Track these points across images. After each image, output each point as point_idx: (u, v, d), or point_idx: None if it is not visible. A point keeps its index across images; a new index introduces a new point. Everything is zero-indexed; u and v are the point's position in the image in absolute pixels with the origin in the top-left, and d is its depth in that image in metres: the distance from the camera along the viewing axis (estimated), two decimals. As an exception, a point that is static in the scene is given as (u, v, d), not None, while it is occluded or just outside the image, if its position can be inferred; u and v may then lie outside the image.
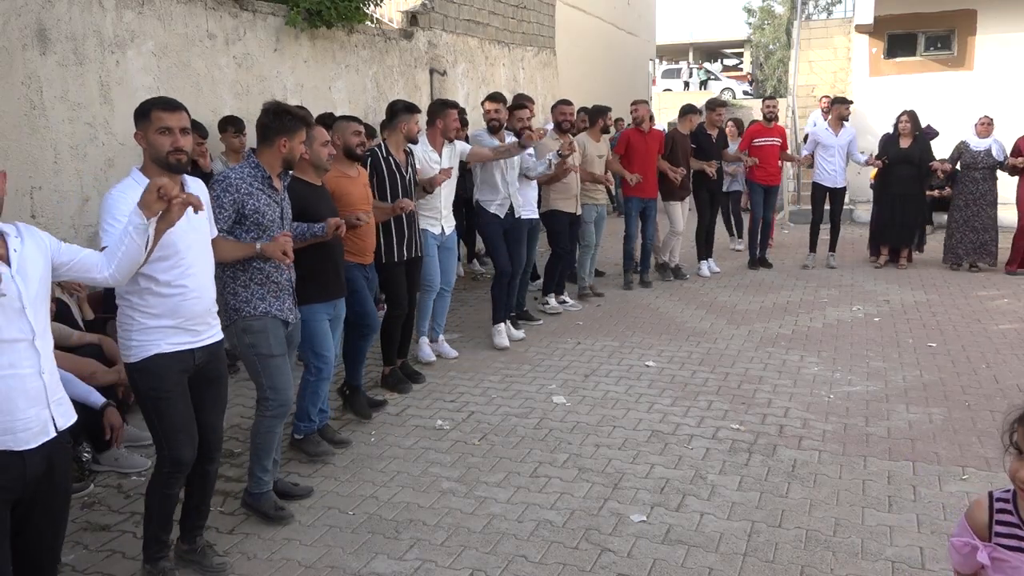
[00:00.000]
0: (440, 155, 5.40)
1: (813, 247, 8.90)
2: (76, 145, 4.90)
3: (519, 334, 6.25)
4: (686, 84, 33.48)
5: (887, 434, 4.33)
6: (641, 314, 7.00)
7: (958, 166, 8.47)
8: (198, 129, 5.33)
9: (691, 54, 41.97)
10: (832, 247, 8.87)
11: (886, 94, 12.53)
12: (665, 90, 30.31)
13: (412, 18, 8.85)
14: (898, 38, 13.03)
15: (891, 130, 8.67)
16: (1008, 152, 8.21)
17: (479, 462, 4.07)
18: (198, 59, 5.80)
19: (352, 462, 4.10)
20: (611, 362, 5.66)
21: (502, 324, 6.06)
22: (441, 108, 5.39)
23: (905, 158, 8.35)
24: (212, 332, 2.98)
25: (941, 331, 6.28)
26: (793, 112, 13.92)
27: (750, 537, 3.30)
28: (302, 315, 3.69)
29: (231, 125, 5.63)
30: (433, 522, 3.47)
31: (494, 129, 6.03)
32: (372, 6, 7.54)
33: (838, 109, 8.64)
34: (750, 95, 31.07)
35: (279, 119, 3.35)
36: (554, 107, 6.80)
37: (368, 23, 7.82)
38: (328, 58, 7.23)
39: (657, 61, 27.06)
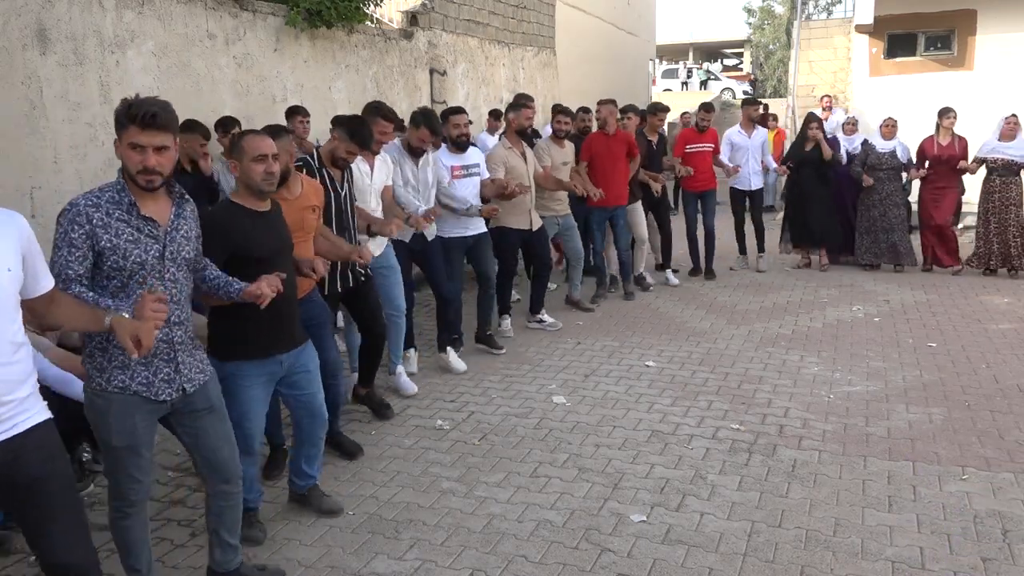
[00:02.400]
0: (372, 168, 4.64)
1: (742, 250, 8.74)
2: (76, 145, 4.90)
3: (460, 365, 5.46)
4: (684, 84, 33.52)
5: (887, 434, 4.33)
6: (641, 314, 7.00)
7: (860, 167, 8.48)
8: (199, 130, 5.32)
9: (691, 54, 42.00)
10: (760, 248, 8.72)
11: (886, 94, 12.54)
12: (665, 90, 30.35)
13: (412, 18, 8.85)
14: (898, 38, 13.04)
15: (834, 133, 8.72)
16: (912, 154, 8.31)
17: (479, 462, 4.07)
18: (198, 59, 5.79)
19: (352, 462, 4.10)
20: (611, 362, 5.66)
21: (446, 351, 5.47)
22: (370, 113, 4.61)
23: (808, 161, 8.34)
24: (8, 426, 2.15)
25: (941, 331, 6.28)
26: (793, 112, 13.95)
27: (750, 537, 3.30)
28: (225, 373, 2.97)
29: (222, 126, 5.60)
30: (433, 522, 3.47)
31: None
32: (372, 6, 7.54)
33: (747, 110, 8.49)
34: (750, 95, 31.11)
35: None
36: (508, 110, 6.19)
37: (368, 23, 7.82)
38: (328, 58, 7.23)
39: (657, 61, 27.08)
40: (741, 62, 41.89)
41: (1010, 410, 4.63)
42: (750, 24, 37.53)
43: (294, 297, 3.21)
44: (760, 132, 8.52)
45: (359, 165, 4.54)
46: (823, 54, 14.77)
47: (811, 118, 8.50)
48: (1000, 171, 7.87)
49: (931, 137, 8.21)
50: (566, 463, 4.04)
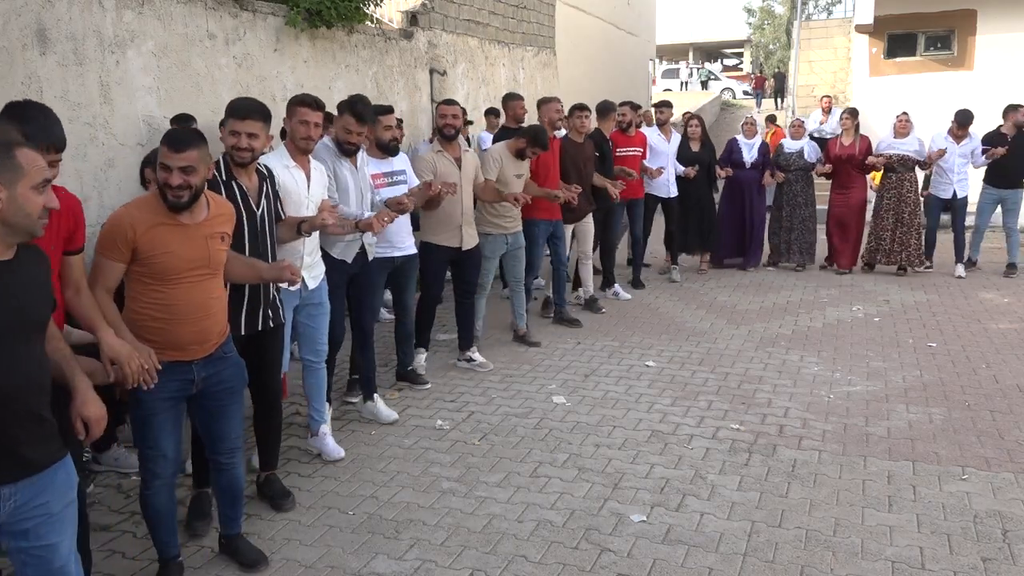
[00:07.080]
0: (307, 176, 3.81)
1: (674, 260, 8.36)
2: (76, 145, 4.90)
3: (389, 415, 4.61)
4: (684, 84, 33.54)
5: (887, 434, 4.33)
6: (641, 314, 7.00)
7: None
8: (189, 122, 5.31)
9: (691, 54, 42.03)
10: (674, 260, 8.39)
11: (886, 94, 12.55)
12: (665, 90, 30.37)
13: (412, 18, 8.85)
14: (898, 38, 13.05)
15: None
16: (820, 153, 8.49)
17: (479, 462, 4.07)
18: (198, 59, 5.79)
19: (352, 462, 4.10)
20: (611, 362, 5.66)
21: (374, 398, 4.65)
22: (292, 106, 3.81)
23: (696, 162, 8.17)
24: None
25: (941, 331, 6.28)
26: (793, 112, 13.94)
27: (750, 537, 3.30)
28: None
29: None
30: (433, 522, 3.47)
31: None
32: (372, 6, 7.53)
33: (654, 113, 8.30)
34: (750, 95, 31.13)
35: None
36: (437, 108, 5.36)
37: (368, 23, 7.82)
38: (328, 58, 7.23)
39: (657, 61, 27.10)
40: (741, 62, 41.93)
41: (1010, 410, 4.63)
42: (750, 24, 37.57)
43: (30, 398, 2.03)
44: (676, 137, 8.19)
45: (292, 172, 3.74)
46: (823, 54, 14.79)
47: (689, 116, 8.52)
48: (896, 167, 8.11)
49: (836, 138, 8.43)
50: (566, 463, 4.04)
